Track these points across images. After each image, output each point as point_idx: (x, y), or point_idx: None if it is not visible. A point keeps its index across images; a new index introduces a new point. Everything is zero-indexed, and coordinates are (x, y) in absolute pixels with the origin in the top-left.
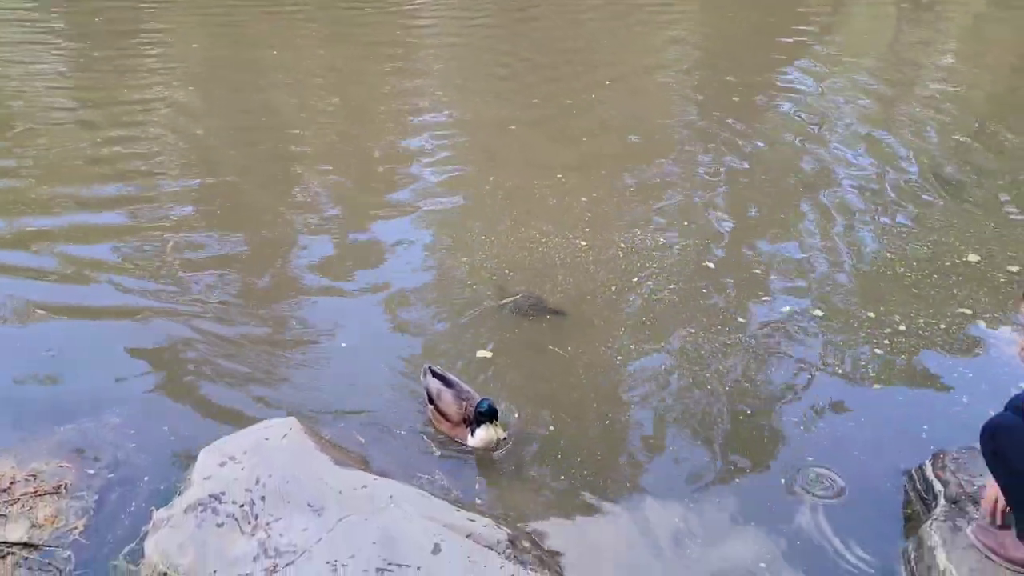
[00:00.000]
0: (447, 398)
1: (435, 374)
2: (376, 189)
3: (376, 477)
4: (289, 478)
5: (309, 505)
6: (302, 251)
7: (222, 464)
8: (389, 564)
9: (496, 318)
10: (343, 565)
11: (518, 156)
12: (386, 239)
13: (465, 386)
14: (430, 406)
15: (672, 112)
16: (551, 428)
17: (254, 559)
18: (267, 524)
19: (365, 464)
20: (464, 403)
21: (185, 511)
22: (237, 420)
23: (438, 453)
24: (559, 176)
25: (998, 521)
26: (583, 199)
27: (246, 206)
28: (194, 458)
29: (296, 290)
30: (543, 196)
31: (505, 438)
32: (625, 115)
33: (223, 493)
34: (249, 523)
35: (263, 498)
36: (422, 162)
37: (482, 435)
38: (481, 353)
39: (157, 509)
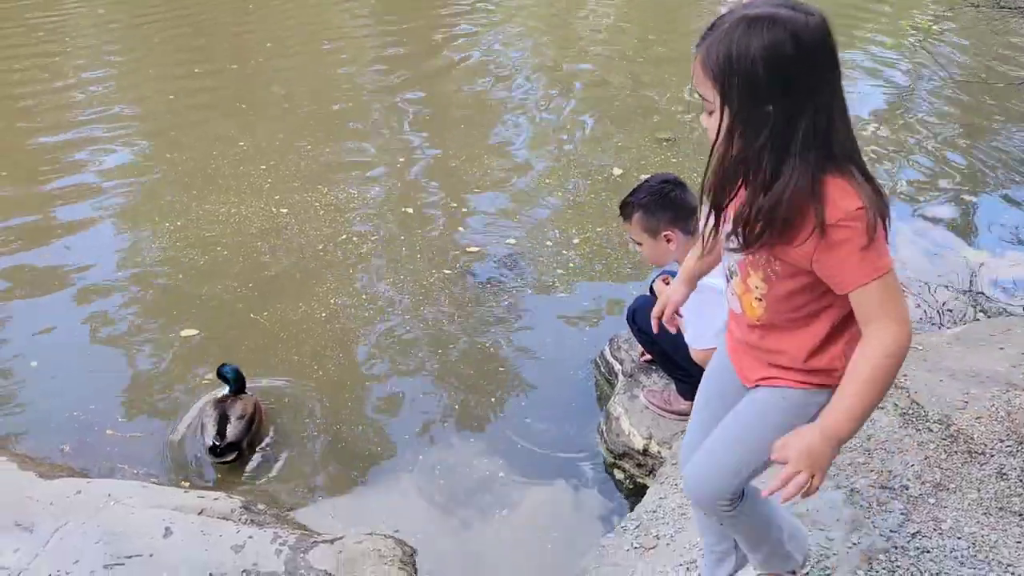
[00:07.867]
0: (235, 408)
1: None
2: (40, 182)
3: (90, 480)
4: None
5: (17, 524)
6: None
7: None
8: (118, 559)
9: (194, 294)
10: (67, 573)
11: (189, 128)
12: (59, 234)
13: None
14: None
15: (340, 70)
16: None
17: None
18: None
19: (76, 472)
20: (226, 401)
21: None
22: None
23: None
24: (241, 144)
25: None
26: (262, 167)
27: None
28: None
29: None
30: (220, 167)
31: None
32: (293, 77)
33: None
34: None
35: None
36: (87, 148)
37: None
38: (186, 332)
39: None
